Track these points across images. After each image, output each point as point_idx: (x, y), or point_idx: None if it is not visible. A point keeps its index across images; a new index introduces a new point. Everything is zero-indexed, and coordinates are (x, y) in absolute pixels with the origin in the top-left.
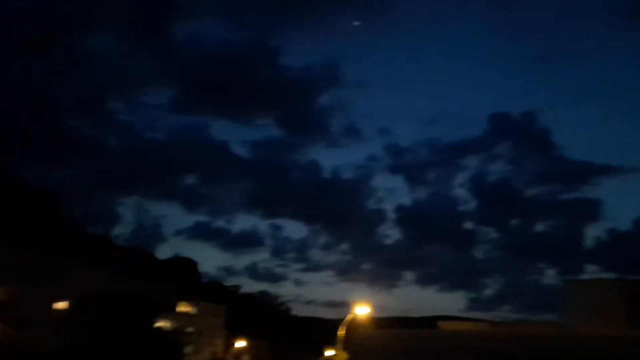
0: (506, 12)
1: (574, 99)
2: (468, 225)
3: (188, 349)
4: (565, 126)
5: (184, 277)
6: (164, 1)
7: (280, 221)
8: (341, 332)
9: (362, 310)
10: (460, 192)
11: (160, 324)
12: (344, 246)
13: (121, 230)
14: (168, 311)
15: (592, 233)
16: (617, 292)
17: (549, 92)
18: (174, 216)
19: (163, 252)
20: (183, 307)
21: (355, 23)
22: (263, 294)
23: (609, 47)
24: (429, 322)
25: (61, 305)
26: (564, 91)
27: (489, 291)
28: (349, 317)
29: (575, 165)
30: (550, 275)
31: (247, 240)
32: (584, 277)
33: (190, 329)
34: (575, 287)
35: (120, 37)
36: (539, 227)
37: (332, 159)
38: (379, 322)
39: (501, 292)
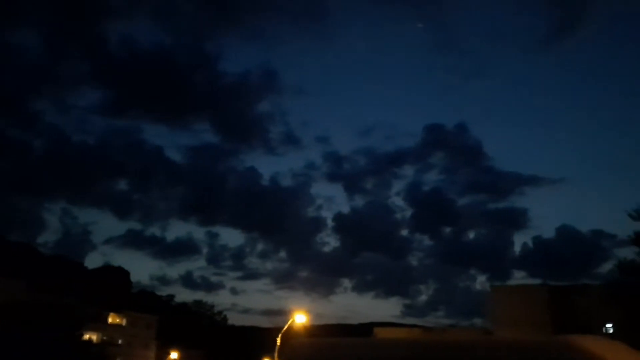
0: (439, 30)
1: (502, 113)
2: (403, 233)
3: None
4: (495, 139)
5: (114, 286)
6: (93, 1)
7: (216, 229)
8: (278, 341)
9: (299, 319)
10: (397, 201)
11: (88, 335)
12: (282, 254)
13: (47, 238)
14: (97, 322)
15: (519, 240)
16: (540, 297)
17: (480, 106)
18: (104, 223)
19: (93, 261)
20: (113, 318)
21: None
22: (198, 303)
23: (531, 66)
24: (366, 328)
25: None
26: (493, 106)
27: (422, 297)
28: (286, 325)
29: (503, 175)
30: (481, 282)
31: (182, 249)
32: (511, 283)
33: (120, 341)
34: (501, 293)
35: (47, 35)
36: (470, 234)
37: (270, 166)
38: (317, 330)
39: (434, 298)
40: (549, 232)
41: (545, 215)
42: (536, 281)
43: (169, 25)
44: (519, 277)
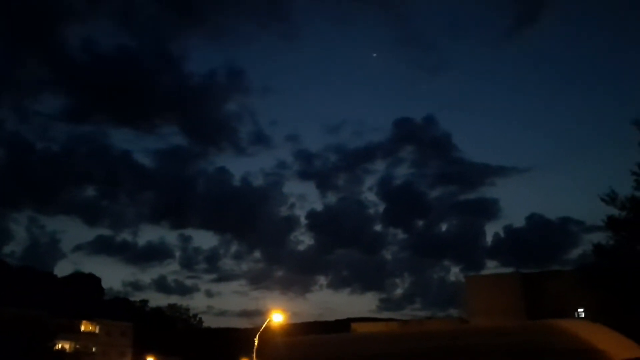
0: (402, 25)
1: (469, 105)
2: (377, 227)
3: None
4: (463, 130)
5: (86, 294)
6: (51, 2)
7: (189, 231)
8: (255, 341)
9: (276, 318)
10: (369, 196)
11: (61, 345)
12: (256, 254)
13: (13, 248)
14: (69, 332)
15: (491, 230)
16: (514, 285)
17: (447, 99)
18: (73, 231)
19: (62, 269)
20: (86, 327)
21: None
22: (173, 307)
23: (495, 58)
24: (343, 324)
25: None
26: (460, 98)
27: (398, 291)
28: (263, 325)
29: (473, 167)
30: (455, 273)
31: (155, 253)
32: (485, 272)
33: (93, 349)
34: (476, 283)
35: (4, 41)
36: (443, 226)
37: (241, 166)
38: (294, 329)
39: (410, 291)
40: (519, 221)
41: (515, 204)
42: (509, 270)
43: (131, 26)
44: (491, 267)
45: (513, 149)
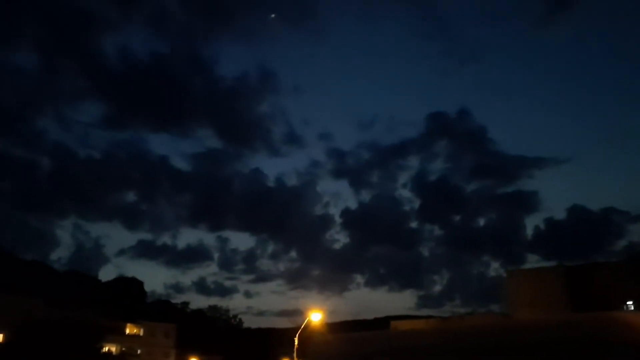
0: (430, 17)
1: (504, 95)
2: (413, 224)
3: None
4: (499, 122)
5: (129, 297)
6: (87, 14)
7: (226, 233)
8: (295, 340)
9: (314, 317)
10: (404, 192)
11: (107, 348)
12: (292, 254)
13: (60, 255)
14: (115, 334)
15: (531, 224)
16: (558, 278)
17: (480, 90)
18: (115, 236)
19: (107, 273)
20: (131, 329)
21: (272, 16)
22: (213, 308)
23: (530, 46)
24: (382, 322)
25: None
26: (494, 89)
27: (437, 287)
28: (303, 324)
29: (510, 159)
30: (494, 268)
31: (194, 255)
32: (526, 266)
33: (139, 351)
34: (518, 277)
35: (44, 53)
36: (481, 221)
37: (275, 167)
38: (333, 328)
39: (448, 288)
40: (560, 213)
41: (555, 196)
42: (551, 263)
43: (164, 33)
44: (532, 261)
45: (551, 140)
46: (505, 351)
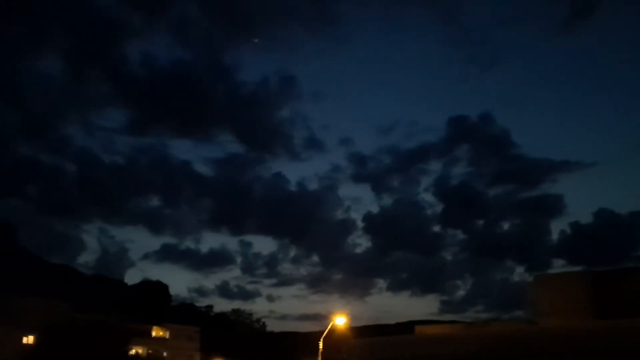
0: (451, 22)
1: (527, 99)
2: (435, 228)
3: None
4: (522, 126)
5: (155, 301)
6: (111, 23)
7: (248, 237)
8: (320, 344)
9: (339, 321)
10: (426, 197)
11: (135, 350)
12: (314, 258)
13: (87, 259)
14: (141, 337)
15: (556, 228)
16: (584, 284)
17: (502, 94)
18: (140, 240)
19: (132, 277)
20: (157, 332)
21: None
22: (236, 312)
23: (552, 49)
24: (404, 327)
25: (27, 339)
26: (516, 93)
27: (459, 292)
28: (327, 328)
29: (534, 163)
30: (518, 273)
31: (217, 259)
32: (552, 271)
33: (165, 354)
34: (544, 283)
35: (69, 61)
36: (504, 225)
37: (296, 171)
38: (355, 332)
39: (471, 293)
40: (586, 218)
41: (581, 200)
42: (577, 268)
43: (186, 40)
44: (558, 266)
45: (576, 143)
46: (534, 359)
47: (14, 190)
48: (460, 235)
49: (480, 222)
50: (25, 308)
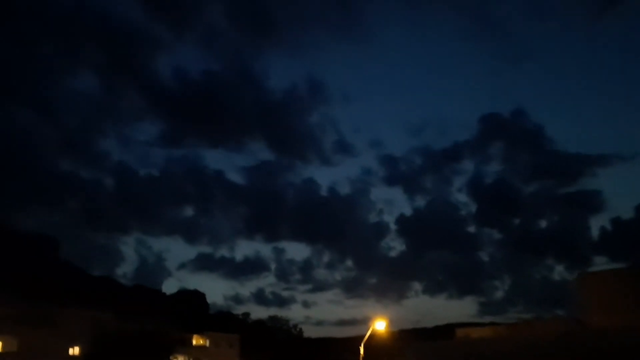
0: (479, 18)
1: (560, 93)
2: (470, 228)
3: None
4: (556, 121)
5: (193, 309)
6: (141, 37)
7: (282, 244)
8: (361, 350)
9: (379, 325)
10: (459, 197)
11: (177, 359)
12: (348, 263)
13: (125, 269)
14: (183, 345)
15: (596, 224)
16: (632, 280)
17: (535, 89)
18: (176, 250)
19: (169, 286)
20: (197, 340)
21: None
22: (274, 319)
23: (584, 41)
24: (444, 330)
25: (74, 350)
26: (549, 87)
27: (498, 293)
28: (367, 333)
29: (570, 158)
30: (558, 271)
31: (252, 267)
32: (593, 269)
33: None
34: (590, 280)
35: (102, 76)
36: (542, 223)
37: (327, 176)
38: (394, 336)
39: (511, 293)
40: (627, 212)
41: (621, 194)
42: (619, 265)
43: (215, 51)
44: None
45: (614, 136)
46: (584, 358)
47: (57, 205)
48: (496, 234)
49: (517, 220)
50: (72, 319)
